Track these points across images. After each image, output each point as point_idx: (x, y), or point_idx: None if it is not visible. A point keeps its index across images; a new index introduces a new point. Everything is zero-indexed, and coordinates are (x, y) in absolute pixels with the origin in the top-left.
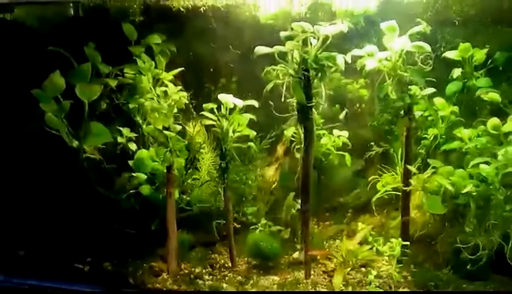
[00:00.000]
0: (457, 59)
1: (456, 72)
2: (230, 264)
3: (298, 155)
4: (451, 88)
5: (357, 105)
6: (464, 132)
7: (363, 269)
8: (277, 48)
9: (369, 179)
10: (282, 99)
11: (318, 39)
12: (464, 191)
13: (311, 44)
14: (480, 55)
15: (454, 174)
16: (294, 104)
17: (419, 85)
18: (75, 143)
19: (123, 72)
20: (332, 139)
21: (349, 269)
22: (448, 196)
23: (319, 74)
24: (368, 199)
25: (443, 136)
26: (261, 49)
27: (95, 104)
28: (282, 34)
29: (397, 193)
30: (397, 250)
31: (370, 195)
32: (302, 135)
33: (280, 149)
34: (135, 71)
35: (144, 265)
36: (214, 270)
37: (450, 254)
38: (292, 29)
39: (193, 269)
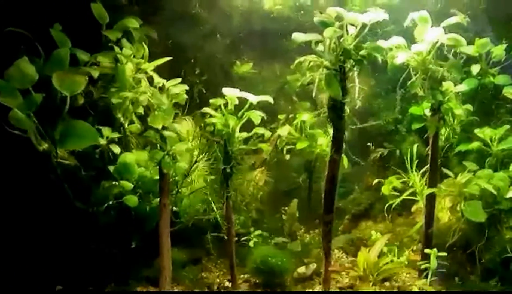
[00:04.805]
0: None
1: (475, 68)
2: (229, 284)
3: (287, 157)
4: (467, 85)
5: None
6: (487, 132)
7: (386, 283)
8: (315, 36)
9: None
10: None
11: (356, 27)
12: (509, 195)
13: (347, 32)
14: (499, 51)
15: (493, 178)
16: (324, 100)
17: (454, 81)
18: (45, 146)
19: (97, 61)
20: (329, 139)
21: (370, 284)
22: (487, 201)
23: (356, 67)
24: (368, 205)
25: (455, 136)
26: (299, 37)
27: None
28: (317, 19)
29: (411, 198)
30: (433, 261)
31: (370, 200)
32: (331, 136)
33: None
34: (112, 60)
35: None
36: None
37: (495, 264)
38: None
39: None
